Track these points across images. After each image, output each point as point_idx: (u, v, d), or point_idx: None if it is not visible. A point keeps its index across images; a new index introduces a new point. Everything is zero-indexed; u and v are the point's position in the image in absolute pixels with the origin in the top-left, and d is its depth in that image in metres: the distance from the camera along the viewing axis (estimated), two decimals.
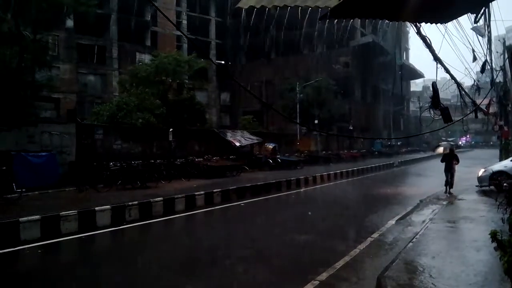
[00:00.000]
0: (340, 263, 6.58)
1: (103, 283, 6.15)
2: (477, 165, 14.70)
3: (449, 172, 14.74)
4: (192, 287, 5.89)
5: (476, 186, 14.86)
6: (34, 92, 20.37)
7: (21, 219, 8.71)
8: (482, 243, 7.20)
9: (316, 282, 5.65)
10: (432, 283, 5.12)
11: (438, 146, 18.19)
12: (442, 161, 15.22)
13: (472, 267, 5.90)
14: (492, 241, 4.62)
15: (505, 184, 11.31)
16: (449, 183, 14.76)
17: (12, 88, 17.04)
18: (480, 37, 13.89)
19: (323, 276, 5.91)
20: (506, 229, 6.20)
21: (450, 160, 14.87)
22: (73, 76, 37.28)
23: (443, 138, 72.38)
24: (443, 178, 14.94)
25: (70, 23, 35.79)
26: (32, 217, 8.94)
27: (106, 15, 40.34)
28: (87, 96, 37.99)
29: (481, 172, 14.89)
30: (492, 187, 13.97)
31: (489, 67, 15.23)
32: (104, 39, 41.25)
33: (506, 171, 14.06)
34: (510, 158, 15.60)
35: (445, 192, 14.59)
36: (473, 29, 13.77)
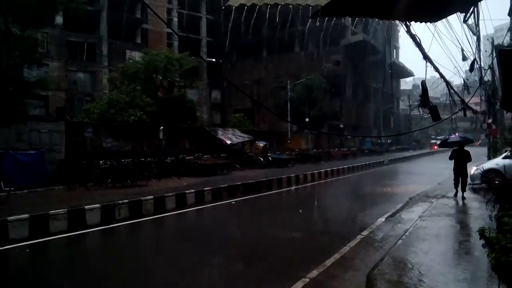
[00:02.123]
0: (330, 260, 6.61)
1: (91, 282, 6.10)
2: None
3: (460, 171, 12.84)
4: (182, 284, 5.88)
5: (469, 184, 14.97)
6: (22, 90, 20.18)
7: (9, 218, 8.62)
8: (470, 240, 7.29)
9: (307, 280, 5.67)
10: (421, 280, 5.17)
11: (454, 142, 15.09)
12: (450, 158, 13.32)
13: (460, 264, 5.97)
14: (480, 238, 4.68)
15: (496, 181, 11.44)
16: (458, 185, 12.93)
17: (1, 85, 16.86)
18: (469, 37, 14.06)
19: (314, 273, 5.94)
20: (494, 226, 6.27)
21: (460, 158, 12.92)
22: (63, 74, 36.94)
23: (432, 136, 73.01)
24: (434, 175, 14.90)
25: (59, 20, 35.41)
26: (21, 216, 8.86)
27: (96, 12, 39.98)
28: (77, 94, 37.68)
29: (473, 170, 15.02)
30: (484, 184, 14.09)
31: (477, 66, 15.38)
32: (94, 36, 40.88)
33: (498, 168, 14.24)
34: (501, 156, 15.75)
35: (456, 195, 12.80)
36: (465, 23, 13.92)
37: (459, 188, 12.84)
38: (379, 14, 4.78)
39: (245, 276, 6.25)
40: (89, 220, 10.03)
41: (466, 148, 13.58)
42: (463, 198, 12.32)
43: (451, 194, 13.50)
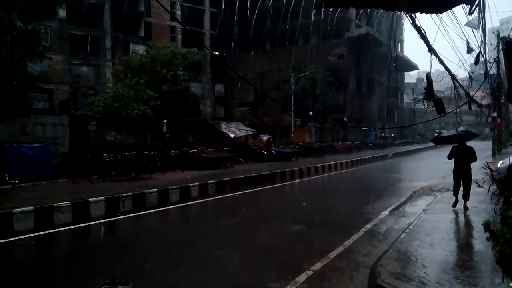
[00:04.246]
0: (334, 253, 6.62)
1: (96, 274, 6.13)
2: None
3: (461, 174, 9.88)
4: (186, 276, 5.90)
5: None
6: (26, 83, 20.17)
7: (14, 210, 8.68)
8: (474, 233, 7.27)
9: (310, 272, 5.68)
10: (424, 273, 5.16)
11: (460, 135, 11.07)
12: (449, 157, 10.23)
13: (464, 257, 5.96)
14: (485, 231, 4.66)
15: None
16: (458, 192, 9.97)
17: (4, 79, 16.86)
18: (474, 30, 13.93)
19: (317, 266, 5.95)
20: (499, 220, 6.25)
21: (461, 156, 9.93)
22: (66, 67, 36.94)
23: (437, 130, 72.70)
24: (438, 169, 14.33)
25: (62, 13, 35.36)
26: (26, 208, 8.91)
27: (99, 5, 39.89)
28: (80, 87, 37.71)
29: (499, 164, 14.72)
30: None
31: (483, 59, 15.27)
32: (97, 29, 40.80)
33: None
34: None
35: (455, 205, 9.84)
36: (468, 24, 13.84)
37: (460, 196, 9.91)
38: (384, 4, 4.74)
39: (248, 269, 6.26)
40: (93, 212, 10.09)
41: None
42: (466, 208, 9.65)
43: None
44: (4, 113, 15.39)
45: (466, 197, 9.75)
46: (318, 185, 18.11)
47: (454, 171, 10.11)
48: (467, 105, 15.52)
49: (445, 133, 12.07)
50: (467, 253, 6.20)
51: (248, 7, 47.16)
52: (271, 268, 6.16)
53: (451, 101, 13.50)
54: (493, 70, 23.01)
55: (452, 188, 10.33)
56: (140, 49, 36.59)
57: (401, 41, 69.82)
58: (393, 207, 11.04)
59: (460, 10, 7.04)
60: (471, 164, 9.85)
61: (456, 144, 10.18)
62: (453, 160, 10.15)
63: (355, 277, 5.60)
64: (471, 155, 9.80)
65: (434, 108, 9.69)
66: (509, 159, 13.26)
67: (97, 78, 39.75)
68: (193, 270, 6.15)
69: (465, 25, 13.67)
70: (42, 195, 11.45)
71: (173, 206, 11.91)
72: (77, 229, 8.98)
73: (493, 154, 25.53)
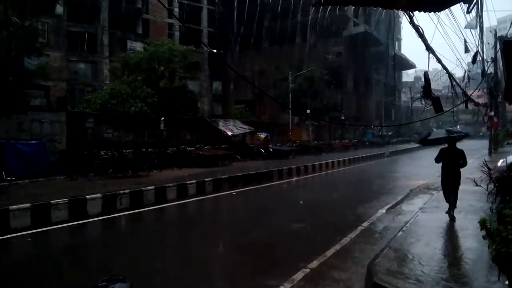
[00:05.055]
0: (331, 251, 6.63)
1: (93, 271, 6.13)
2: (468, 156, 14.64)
3: (449, 180, 8.79)
4: (184, 274, 5.90)
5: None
6: (23, 79, 20.13)
7: (11, 207, 8.65)
8: (471, 231, 7.28)
9: (307, 270, 5.69)
10: (421, 271, 5.18)
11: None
12: (437, 160, 8.96)
13: (461, 255, 5.98)
14: (481, 230, 4.68)
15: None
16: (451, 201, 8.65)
17: (1, 75, 16.82)
18: (472, 29, 13.97)
19: (314, 264, 5.96)
20: (495, 218, 6.27)
21: (450, 159, 8.75)
22: (64, 64, 36.76)
23: (434, 129, 72.72)
24: (435, 168, 14.18)
25: (60, 9, 35.16)
26: (22, 205, 8.88)
27: (96, 2, 39.70)
28: (78, 84, 37.53)
29: (499, 163, 14.76)
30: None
31: (480, 58, 15.30)
32: (94, 26, 40.62)
33: None
34: None
35: (449, 212, 8.56)
36: (467, 26, 13.87)
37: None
38: (382, 3, 4.74)
39: (245, 266, 6.27)
40: (90, 210, 10.07)
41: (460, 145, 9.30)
42: (452, 218, 8.44)
43: None
44: (0, 109, 15.34)
45: (453, 204, 8.60)
46: (315, 183, 18.13)
47: (442, 176, 9.01)
48: (464, 104, 15.55)
49: (434, 134, 11.23)
50: (463, 251, 6.23)
51: (246, 5, 47.06)
52: (268, 266, 6.17)
53: (448, 99, 13.51)
54: (490, 69, 23.05)
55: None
56: (138, 46, 36.42)
57: (399, 40, 69.85)
58: (390, 205, 11.06)
59: (458, 9, 7.04)
60: (459, 167, 8.69)
61: (445, 146, 8.98)
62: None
63: (352, 275, 5.61)
64: (461, 159, 8.62)
65: (431, 107, 9.71)
66: (506, 158, 13.26)
67: (94, 75, 39.58)
68: (191, 267, 6.16)
69: (464, 27, 13.70)
70: (39, 192, 11.41)
71: (170, 203, 11.89)
72: (73, 226, 8.96)
73: (490, 153, 25.62)
